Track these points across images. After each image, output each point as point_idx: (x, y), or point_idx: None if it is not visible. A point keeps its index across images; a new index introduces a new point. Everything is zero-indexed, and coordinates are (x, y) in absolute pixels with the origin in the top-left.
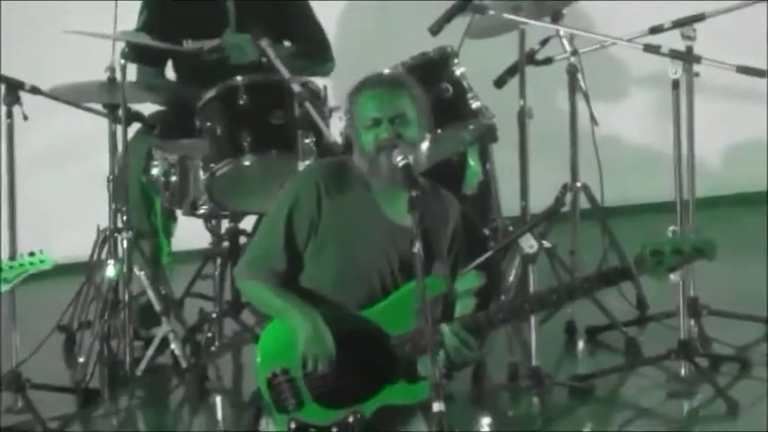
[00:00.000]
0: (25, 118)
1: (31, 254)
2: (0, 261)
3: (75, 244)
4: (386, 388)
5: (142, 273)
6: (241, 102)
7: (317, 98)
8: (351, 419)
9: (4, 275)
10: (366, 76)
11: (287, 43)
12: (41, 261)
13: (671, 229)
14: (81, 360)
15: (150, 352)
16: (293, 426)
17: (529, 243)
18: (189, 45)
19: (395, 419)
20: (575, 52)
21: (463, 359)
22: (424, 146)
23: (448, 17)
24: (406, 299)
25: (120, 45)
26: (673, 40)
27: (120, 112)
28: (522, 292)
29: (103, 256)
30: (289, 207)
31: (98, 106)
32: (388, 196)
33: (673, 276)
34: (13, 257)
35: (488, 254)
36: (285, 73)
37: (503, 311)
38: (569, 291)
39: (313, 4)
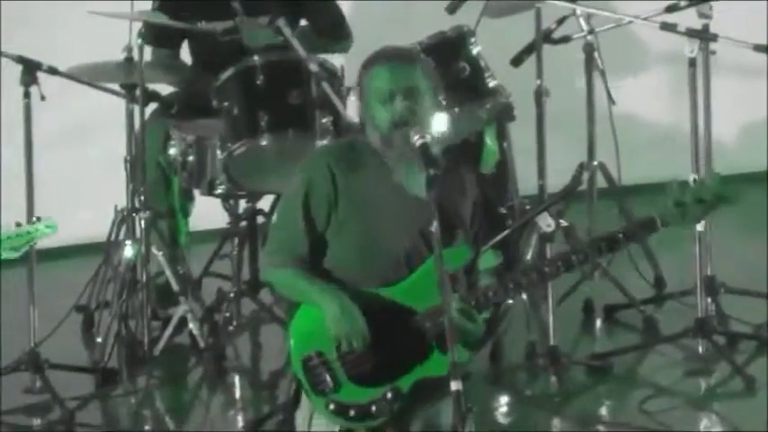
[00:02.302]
0: (42, 98)
1: (38, 218)
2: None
3: (92, 224)
4: (420, 362)
5: (160, 253)
6: (258, 81)
7: (334, 77)
8: (389, 396)
9: (12, 243)
10: (376, 50)
11: (303, 22)
12: (48, 227)
13: (692, 177)
14: (99, 340)
15: (168, 332)
16: (332, 407)
17: (546, 222)
18: (203, 25)
19: (433, 392)
20: (591, 31)
21: (469, 335)
22: (441, 120)
23: None
24: (430, 272)
25: (137, 25)
26: (689, 19)
27: (138, 91)
28: (554, 257)
29: (121, 236)
30: (304, 191)
31: (115, 86)
32: (403, 169)
33: (699, 227)
34: (18, 224)
35: (505, 233)
36: (302, 52)
37: (527, 275)
38: (596, 247)
39: None
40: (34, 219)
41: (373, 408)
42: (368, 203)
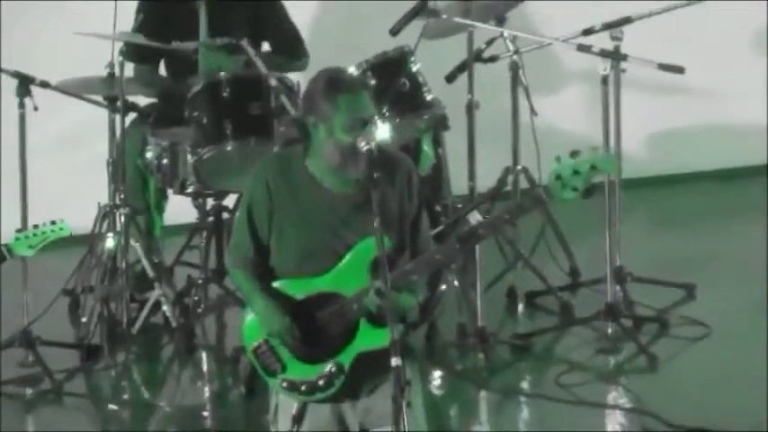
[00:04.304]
0: (35, 108)
1: (53, 222)
2: (27, 229)
3: (78, 219)
4: (354, 338)
5: (137, 244)
6: (224, 94)
7: (291, 91)
8: (333, 370)
9: (30, 242)
10: (333, 76)
11: (265, 43)
12: (61, 229)
13: (572, 152)
14: (84, 320)
15: (144, 313)
16: (285, 385)
17: (475, 218)
18: (177, 44)
19: (375, 364)
20: (516, 51)
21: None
22: (384, 129)
23: (406, 20)
24: (355, 260)
25: (119, 44)
26: (603, 41)
27: (119, 103)
28: (470, 258)
29: (104, 229)
30: (248, 206)
31: (99, 98)
32: (326, 172)
33: (575, 194)
34: (35, 225)
35: (440, 228)
36: (263, 69)
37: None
38: (494, 223)
39: (289, 6)
40: (49, 222)
41: (321, 382)
42: (300, 208)
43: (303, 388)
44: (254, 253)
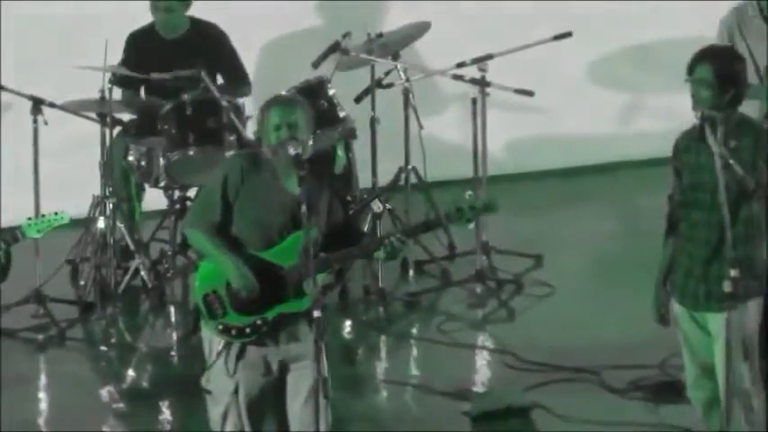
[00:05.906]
0: (45, 123)
1: (55, 213)
2: (36, 216)
3: (77, 206)
4: (281, 301)
5: (122, 225)
6: (188, 112)
7: (239, 110)
8: (259, 322)
9: (37, 227)
10: (272, 97)
11: (219, 75)
12: (61, 218)
13: (468, 193)
14: (82, 283)
15: (127, 277)
16: (221, 327)
17: (377, 205)
18: (155, 75)
19: (288, 321)
20: (407, 80)
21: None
22: (310, 141)
23: (324, 56)
24: (294, 242)
25: (108, 74)
26: (472, 72)
27: (108, 119)
28: (373, 237)
29: (96, 214)
30: (223, 178)
31: (93, 115)
32: (284, 173)
33: (470, 225)
34: (42, 215)
35: (350, 213)
36: (217, 93)
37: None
38: (406, 233)
39: (238, 46)
40: (53, 212)
41: (248, 329)
42: (260, 195)
43: (233, 332)
44: (219, 216)
